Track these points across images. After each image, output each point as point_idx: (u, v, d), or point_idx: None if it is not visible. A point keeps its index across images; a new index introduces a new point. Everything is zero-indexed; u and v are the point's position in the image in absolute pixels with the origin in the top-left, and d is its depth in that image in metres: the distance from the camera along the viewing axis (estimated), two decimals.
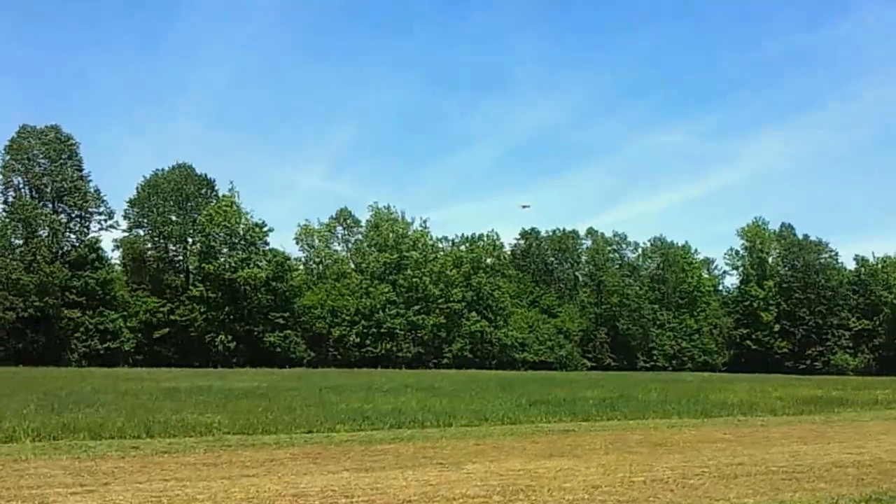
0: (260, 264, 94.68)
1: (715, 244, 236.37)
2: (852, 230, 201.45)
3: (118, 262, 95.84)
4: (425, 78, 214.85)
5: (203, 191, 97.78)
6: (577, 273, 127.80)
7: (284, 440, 19.62)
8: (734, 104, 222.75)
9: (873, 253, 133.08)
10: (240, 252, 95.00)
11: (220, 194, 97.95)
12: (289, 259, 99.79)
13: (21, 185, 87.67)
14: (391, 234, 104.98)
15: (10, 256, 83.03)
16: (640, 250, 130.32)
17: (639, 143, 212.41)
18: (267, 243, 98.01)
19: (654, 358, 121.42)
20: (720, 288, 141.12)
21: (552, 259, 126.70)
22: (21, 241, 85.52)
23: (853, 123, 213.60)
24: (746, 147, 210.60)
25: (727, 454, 18.37)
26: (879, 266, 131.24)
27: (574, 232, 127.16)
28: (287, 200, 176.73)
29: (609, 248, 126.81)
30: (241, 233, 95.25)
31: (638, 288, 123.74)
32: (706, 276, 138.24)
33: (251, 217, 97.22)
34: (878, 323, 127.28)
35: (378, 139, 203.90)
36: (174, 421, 22.25)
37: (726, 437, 22.45)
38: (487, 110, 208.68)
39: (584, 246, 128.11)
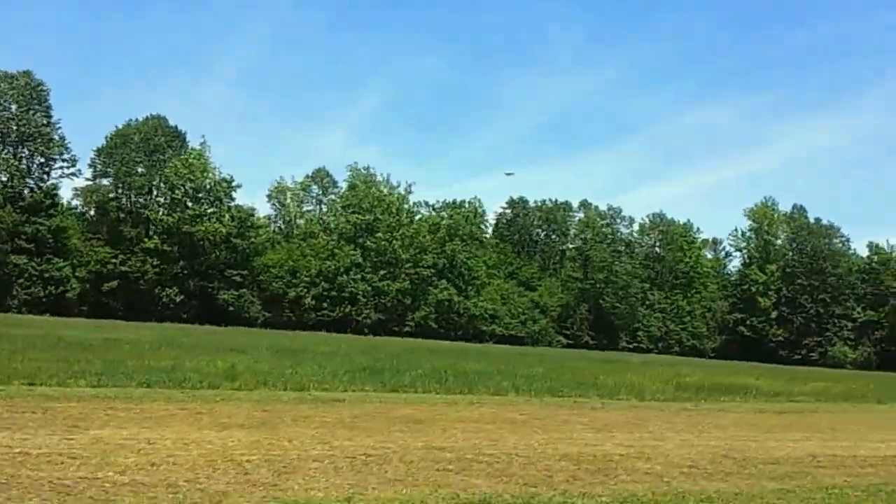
0: (222, 220, 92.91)
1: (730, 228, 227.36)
2: (876, 220, 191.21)
3: (79, 210, 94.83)
4: (456, 47, 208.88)
5: (173, 143, 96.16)
6: (563, 247, 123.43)
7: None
8: (775, 86, 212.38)
9: (888, 240, 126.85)
10: (204, 206, 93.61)
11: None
12: (252, 216, 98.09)
13: None
14: (367, 197, 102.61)
15: None
16: (634, 226, 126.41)
17: (672, 122, 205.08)
18: (233, 199, 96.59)
19: (639, 339, 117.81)
20: (727, 271, 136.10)
21: (537, 231, 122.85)
22: None
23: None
24: (782, 131, 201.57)
25: (442, 436, 15.72)
26: (893, 254, 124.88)
27: (566, 203, 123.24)
28: (309, 167, 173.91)
29: (602, 222, 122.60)
30: (207, 187, 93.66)
31: (629, 265, 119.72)
32: (710, 256, 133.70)
33: (219, 172, 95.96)
34: (882, 315, 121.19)
35: (405, 109, 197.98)
36: None
37: (515, 418, 19.77)
38: (518, 82, 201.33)
39: (576, 219, 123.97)
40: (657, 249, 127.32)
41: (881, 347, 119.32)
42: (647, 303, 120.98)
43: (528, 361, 46.68)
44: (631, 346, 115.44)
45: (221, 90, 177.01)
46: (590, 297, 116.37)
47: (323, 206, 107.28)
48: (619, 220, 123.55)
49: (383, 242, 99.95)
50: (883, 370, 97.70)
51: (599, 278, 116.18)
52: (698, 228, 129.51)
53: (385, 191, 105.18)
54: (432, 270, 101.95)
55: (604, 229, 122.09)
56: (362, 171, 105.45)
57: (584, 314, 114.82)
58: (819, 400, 34.06)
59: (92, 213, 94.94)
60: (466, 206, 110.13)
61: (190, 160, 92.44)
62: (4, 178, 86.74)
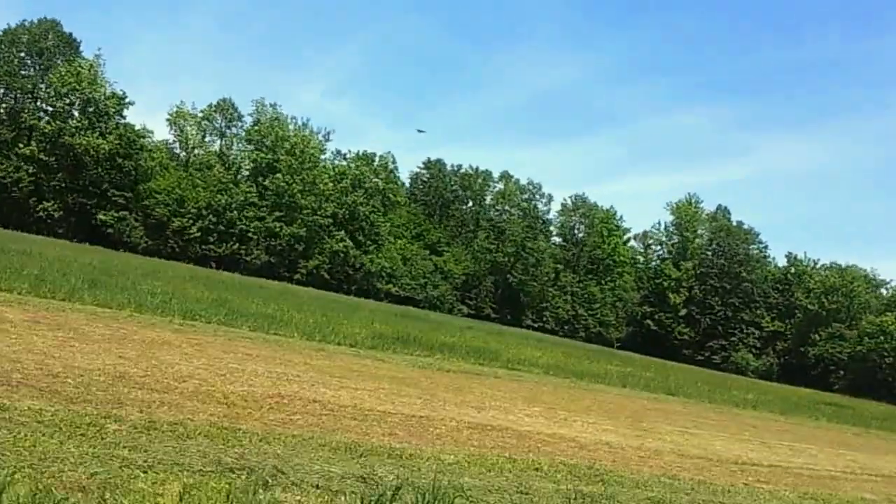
0: (107, 136, 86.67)
1: None
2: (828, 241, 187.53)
3: None
4: (441, 19, 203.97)
5: (65, 50, 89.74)
6: (478, 216, 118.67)
7: None
8: (759, 99, 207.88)
9: (805, 253, 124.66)
10: (91, 120, 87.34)
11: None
12: (142, 137, 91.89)
13: None
14: (270, 134, 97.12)
15: None
16: (553, 204, 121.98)
17: (650, 120, 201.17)
18: (123, 117, 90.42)
19: (545, 319, 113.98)
20: (645, 264, 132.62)
21: (450, 196, 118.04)
22: None
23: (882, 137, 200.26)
24: (757, 145, 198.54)
25: None
26: (808, 267, 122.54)
27: (486, 172, 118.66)
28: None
29: (522, 195, 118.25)
30: (94, 100, 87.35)
31: (543, 243, 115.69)
32: (640, 249, 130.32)
33: (112, 87, 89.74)
34: (789, 327, 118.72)
35: (384, 70, 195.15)
36: None
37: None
38: (499, 61, 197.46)
39: (496, 189, 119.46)
40: (576, 232, 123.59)
41: (784, 359, 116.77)
42: (559, 284, 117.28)
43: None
44: (536, 325, 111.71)
45: (203, 32, 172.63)
46: (499, 270, 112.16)
47: (225, 139, 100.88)
48: (538, 197, 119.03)
49: (282, 184, 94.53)
50: (782, 382, 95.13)
51: (510, 252, 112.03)
52: (622, 217, 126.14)
53: (291, 131, 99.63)
54: (330, 220, 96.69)
55: (522, 204, 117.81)
56: (269, 106, 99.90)
57: (489, 287, 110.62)
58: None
59: None
60: (377, 159, 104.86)
61: (78, 69, 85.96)
62: None
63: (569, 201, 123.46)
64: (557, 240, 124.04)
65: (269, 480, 7.72)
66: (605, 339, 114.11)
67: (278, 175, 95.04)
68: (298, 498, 7.47)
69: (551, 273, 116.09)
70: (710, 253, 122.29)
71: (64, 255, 40.72)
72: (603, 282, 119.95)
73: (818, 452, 21.36)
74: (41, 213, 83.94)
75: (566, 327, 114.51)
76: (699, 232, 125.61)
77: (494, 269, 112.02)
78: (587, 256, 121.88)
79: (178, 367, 13.58)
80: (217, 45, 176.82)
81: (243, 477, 7.67)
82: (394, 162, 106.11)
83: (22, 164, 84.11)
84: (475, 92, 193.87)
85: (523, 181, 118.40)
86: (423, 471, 9.45)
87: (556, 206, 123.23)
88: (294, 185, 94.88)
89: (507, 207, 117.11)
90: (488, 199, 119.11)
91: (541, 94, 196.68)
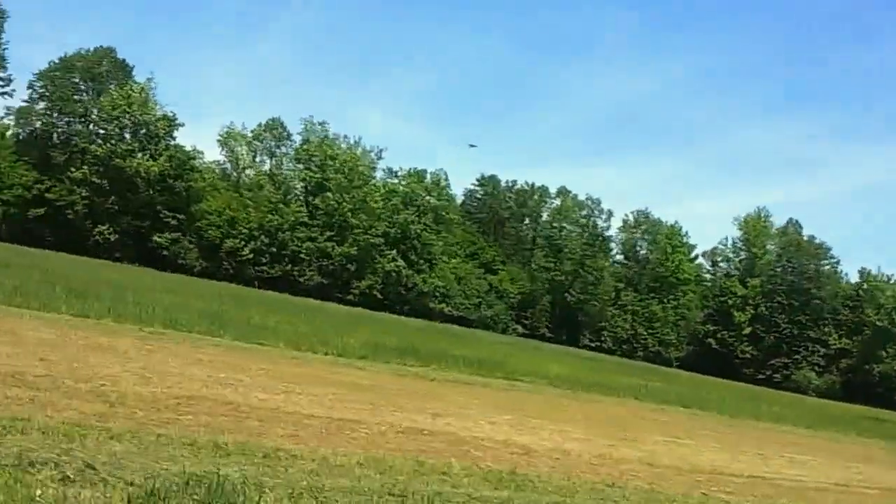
0: (157, 158, 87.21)
1: None
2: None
3: (12, 132, 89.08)
4: (510, 35, 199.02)
5: (118, 75, 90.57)
6: (535, 233, 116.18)
7: None
8: (831, 111, 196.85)
9: (879, 267, 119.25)
10: (142, 141, 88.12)
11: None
12: (193, 158, 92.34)
13: None
14: (319, 153, 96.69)
15: None
16: (613, 220, 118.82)
17: (729, 134, 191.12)
18: (174, 138, 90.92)
19: (602, 339, 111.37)
20: (710, 281, 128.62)
21: (505, 213, 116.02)
22: None
23: None
24: (830, 158, 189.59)
25: None
26: (881, 282, 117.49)
27: (543, 188, 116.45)
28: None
29: (580, 212, 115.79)
30: (146, 122, 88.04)
31: (603, 261, 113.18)
32: (701, 263, 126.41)
33: (163, 109, 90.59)
34: (856, 344, 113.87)
35: (453, 91, 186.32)
36: None
37: None
38: (569, 76, 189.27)
39: (553, 205, 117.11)
40: (639, 249, 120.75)
41: (848, 377, 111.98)
42: (619, 303, 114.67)
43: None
44: (593, 344, 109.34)
45: (272, 54, 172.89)
46: (556, 289, 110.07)
47: (275, 159, 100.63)
48: (597, 213, 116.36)
49: (332, 203, 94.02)
50: (845, 401, 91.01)
51: (568, 270, 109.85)
52: (687, 233, 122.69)
53: (342, 149, 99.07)
54: (382, 239, 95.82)
55: (581, 220, 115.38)
56: (317, 125, 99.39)
57: (546, 306, 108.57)
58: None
59: (24, 135, 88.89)
60: (429, 177, 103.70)
61: (129, 92, 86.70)
62: None
63: (630, 217, 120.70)
64: (619, 257, 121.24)
65: (72, 476, 7.06)
66: (664, 358, 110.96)
67: (328, 194, 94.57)
68: (91, 493, 6.68)
69: (611, 291, 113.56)
70: (779, 269, 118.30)
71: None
72: (665, 300, 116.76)
73: (821, 465, 20.15)
74: (97, 237, 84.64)
75: (624, 347, 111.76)
76: (768, 247, 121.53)
77: (552, 287, 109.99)
78: (650, 274, 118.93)
79: (97, 370, 12.88)
80: (283, 70, 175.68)
81: (44, 472, 7.01)
82: (446, 179, 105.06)
83: (75, 187, 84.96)
84: (541, 109, 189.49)
85: (581, 197, 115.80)
86: (291, 471, 8.64)
87: (616, 223, 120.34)
88: (344, 203, 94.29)
89: (564, 224, 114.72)
90: (545, 216, 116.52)
91: (604, 109, 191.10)
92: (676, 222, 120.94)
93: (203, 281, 72.20)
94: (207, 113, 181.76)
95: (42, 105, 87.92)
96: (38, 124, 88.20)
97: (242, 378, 15.12)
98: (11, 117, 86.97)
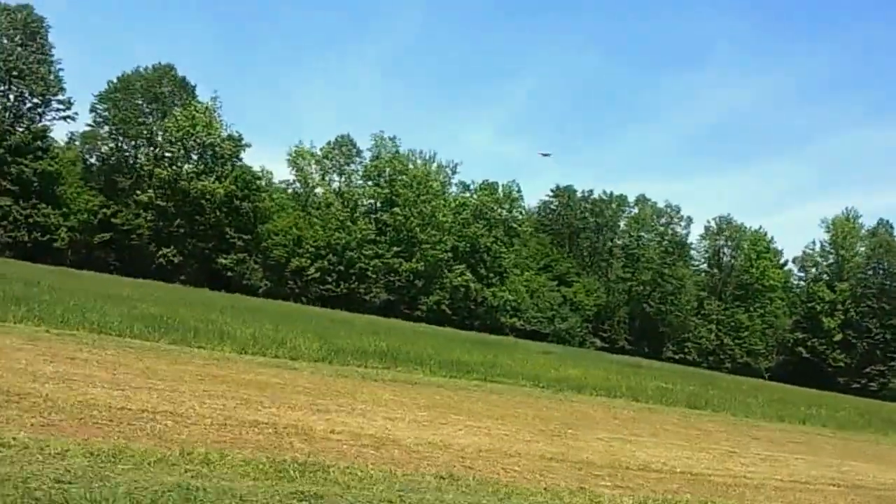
0: (222, 180, 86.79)
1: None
2: None
3: (79, 157, 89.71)
4: (609, 48, 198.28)
5: (181, 94, 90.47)
6: (611, 243, 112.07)
7: None
8: None
9: None
10: (207, 162, 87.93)
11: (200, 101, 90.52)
12: (259, 178, 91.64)
13: None
14: (389, 168, 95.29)
15: None
16: (693, 227, 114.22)
17: (839, 139, 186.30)
18: (240, 159, 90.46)
19: (686, 350, 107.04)
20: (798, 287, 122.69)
21: (578, 224, 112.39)
22: None
23: None
24: None
25: None
26: None
27: (621, 197, 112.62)
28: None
29: (660, 219, 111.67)
30: (211, 144, 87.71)
31: (684, 269, 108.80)
32: (791, 269, 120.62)
33: (228, 129, 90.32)
34: None
35: (552, 106, 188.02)
36: None
37: None
38: (672, 87, 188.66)
39: (630, 213, 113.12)
40: (722, 256, 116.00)
41: None
42: (703, 313, 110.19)
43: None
44: (677, 356, 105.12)
45: (368, 73, 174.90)
46: (635, 300, 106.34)
47: (344, 176, 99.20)
48: (676, 220, 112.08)
49: (400, 218, 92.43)
50: None
51: (646, 280, 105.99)
52: (772, 238, 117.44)
53: (415, 164, 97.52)
54: (450, 254, 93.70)
55: (659, 228, 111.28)
56: (388, 140, 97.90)
57: (624, 318, 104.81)
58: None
59: (92, 160, 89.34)
60: (501, 189, 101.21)
61: (192, 113, 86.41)
62: None
63: (713, 224, 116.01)
64: (702, 265, 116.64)
65: None
66: (753, 369, 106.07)
67: (396, 209, 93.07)
68: None
69: (693, 301, 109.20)
70: (869, 272, 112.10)
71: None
72: (752, 308, 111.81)
73: (801, 463, 18.24)
74: (161, 260, 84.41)
75: (710, 358, 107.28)
76: (857, 250, 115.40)
77: (630, 298, 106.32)
78: (734, 282, 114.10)
79: None
80: (380, 90, 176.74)
81: None
82: (518, 191, 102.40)
83: (141, 211, 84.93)
84: (641, 124, 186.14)
85: (661, 204, 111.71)
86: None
87: (697, 230, 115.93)
88: (412, 219, 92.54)
89: (642, 233, 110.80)
90: (622, 225, 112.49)
91: (702, 120, 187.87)
92: (761, 227, 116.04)
93: (270, 300, 70.81)
94: (280, 132, 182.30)
95: (106, 129, 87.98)
96: (103, 149, 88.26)
97: (127, 379, 13.97)
98: (76, 142, 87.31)
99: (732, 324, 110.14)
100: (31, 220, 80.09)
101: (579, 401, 24.33)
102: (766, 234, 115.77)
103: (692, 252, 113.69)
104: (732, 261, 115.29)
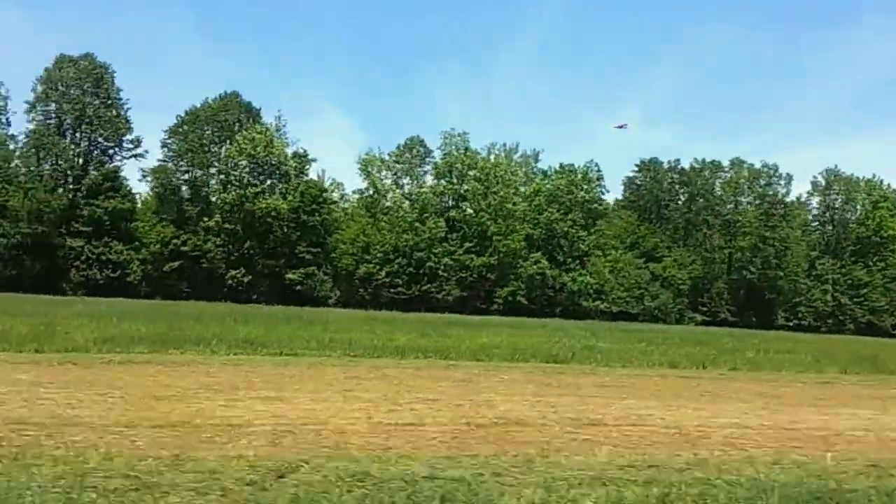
0: (287, 196, 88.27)
1: None
2: None
3: (148, 191, 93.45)
4: (755, 14, 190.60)
5: (245, 119, 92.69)
6: (705, 211, 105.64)
7: None
8: None
9: None
10: (273, 181, 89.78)
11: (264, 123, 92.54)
12: (325, 191, 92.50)
13: (52, 114, 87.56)
14: (458, 164, 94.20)
15: (15, 183, 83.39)
16: (792, 186, 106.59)
17: None
18: (305, 174, 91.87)
19: (801, 315, 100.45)
20: None
21: (665, 196, 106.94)
22: (34, 169, 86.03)
23: None
24: None
25: None
26: None
27: (714, 162, 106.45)
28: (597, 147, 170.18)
29: (755, 181, 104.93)
30: (274, 162, 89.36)
31: (787, 230, 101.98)
32: None
33: (294, 146, 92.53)
34: None
35: (701, 84, 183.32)
36: None
37: None
38: (828, 47, 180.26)
39: (723, 179, 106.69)
40: (832, 211, 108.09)
41: None
42: (815, 273, 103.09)
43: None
44: (791, 323, 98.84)
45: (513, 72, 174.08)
46: (734, 268, 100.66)
47: (414, 177, 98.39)
48: (775, 179, 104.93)
49: (469, 212, 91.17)
50: None
51: (745, 246, 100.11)
52: (889, 186, 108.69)
53: (483, 157, 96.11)
54: (523, 243, 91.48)
55: (758, 190, 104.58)
56: (457, 136, 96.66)
57: (722, 287, 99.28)
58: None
59: (162, 193, 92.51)
60: (578, 170, 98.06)
61: (252, 135, 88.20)
62: (63, 163, 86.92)
63: (820, 178, 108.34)
64: (812, 224, 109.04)
65: None
66: (878, 327, 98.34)
67: (464, 204, 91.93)
68: None
69: (803, 262, 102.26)
70: None
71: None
72: (871, 263, 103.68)
73: (743, 413, 15.52)
74: (230, 282, 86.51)
75: (829, 321, 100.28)
76: None
77: (731, 268, 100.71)
78: (852, 237, 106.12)
79: None
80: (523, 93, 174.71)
81: None
82: (598, 170, 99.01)
83: (209, 236, 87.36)
84: (793, 93, 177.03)
85: (757, 165, 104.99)
86: None
87: (802, 188, 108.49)
88: (482, 213, 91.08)
89: (739, 198, 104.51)
90: (718, 191, 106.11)
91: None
92: (875, 176, 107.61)
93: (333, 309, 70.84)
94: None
95: (175, 162, 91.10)
96: (173, 181, 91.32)
97: None
98: (148, 178, 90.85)
99: (850, 282, 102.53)
100: (103, 258, 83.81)
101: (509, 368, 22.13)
102: (881, 182, 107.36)
103: (796, 211, 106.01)
104: (845, 215, 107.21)
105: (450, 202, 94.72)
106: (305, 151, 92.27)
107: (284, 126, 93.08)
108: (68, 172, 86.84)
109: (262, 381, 16.67)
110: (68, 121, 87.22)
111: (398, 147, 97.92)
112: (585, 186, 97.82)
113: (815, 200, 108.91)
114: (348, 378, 17.88)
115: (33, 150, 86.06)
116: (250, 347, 23.75)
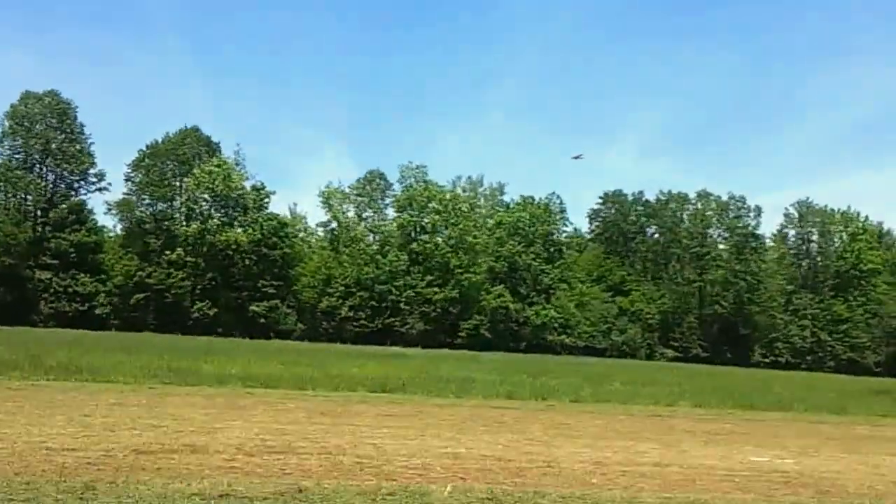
0: (247, 229, 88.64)
1: None
2: None
3: (115, 225, 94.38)
4: (746, 50, 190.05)
5: (204, 153, 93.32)
6: (673, 245, 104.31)
7: None
8: None
9: None
10: (234, 214, 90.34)
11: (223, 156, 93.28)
12: (285, 225, 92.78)
13: (18, 149, 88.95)
14: (417, 196, 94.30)
15: None
16: (762, 218, 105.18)
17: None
18: (265, 207, 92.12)
19: (777, 352, 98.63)
20: None
21: (632, 228, 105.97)
22: (1, 202, 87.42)
23: None
24: None
25: None
26: None
27: (680, 195, 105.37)
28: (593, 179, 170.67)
29: (724, 213, 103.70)
30: (232, 196, 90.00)
31: (758, 263, 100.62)
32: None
33: (251, 180, 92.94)
34: None
35: (695, 116, 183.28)
36: None
37: None
38: (818, 83, 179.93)
39: (690, 211, 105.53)
40: (808, 244, 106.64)
41: None
42: (791, 308, 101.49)
43: None
44: (768, 360, 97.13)
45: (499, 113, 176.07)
46: (704, 302, 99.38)
47: (374, 210, 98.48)
48: (744, 212, 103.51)
49: (429, 245, 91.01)
50: None
51: (716, 279, 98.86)
52: (866, 217, 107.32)
53: (442, 190, 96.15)
54: (484, 276, 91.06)
55: (726, 222, 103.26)
56: (415, 168, 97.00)
57: (692, 322, 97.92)
58: None
59: (126, 226, 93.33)
60: (539, 203, 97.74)
61: (210, 168, 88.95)
62: (30, 197, 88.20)
63: (792, 210, 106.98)
64: (785, 256, 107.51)
65: None
66: (860, 365, 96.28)
67: (424, 236, 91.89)
68: None
69: (779, 297, 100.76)
70: None
71: None
72: (851, 297, 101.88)
73: (686, 450, 15.60)
74: (196, 314, 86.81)
75: (808, 358, 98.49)
76: None
77: (700, 301, 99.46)
78: (831, 271, 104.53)
79: None
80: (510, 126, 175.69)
81: None
82: (560, 203, 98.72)
83: (172, 269, 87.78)
84: (795, 123, 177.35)
85: (724, 197, 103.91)
86: None
87: (772, 219, 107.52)
88: (443, 245, 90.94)
89: (708, 230, 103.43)
90: (686, 223, 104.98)
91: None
92: (850, 207, 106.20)
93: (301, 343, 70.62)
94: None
95: (138, 195, 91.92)
96: (137, 214, 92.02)
97: None
98: (113, 212, 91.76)
99: (829, 317, 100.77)
100: (70, 290, 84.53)
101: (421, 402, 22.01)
102: (858, 214, 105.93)
103: (770, 244, 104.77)
104: (822, 248, 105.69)
105: (411, 234, 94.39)
106: (263, 185, 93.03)
107: (244, 160, 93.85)
108: (35, 206, 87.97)
109: None
110: (35, 155, 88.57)
111: (358, 180, 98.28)
112: (548, 219, 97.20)
113: (791, 233, 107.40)
114: None
115: (0, 183, 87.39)
116: None
